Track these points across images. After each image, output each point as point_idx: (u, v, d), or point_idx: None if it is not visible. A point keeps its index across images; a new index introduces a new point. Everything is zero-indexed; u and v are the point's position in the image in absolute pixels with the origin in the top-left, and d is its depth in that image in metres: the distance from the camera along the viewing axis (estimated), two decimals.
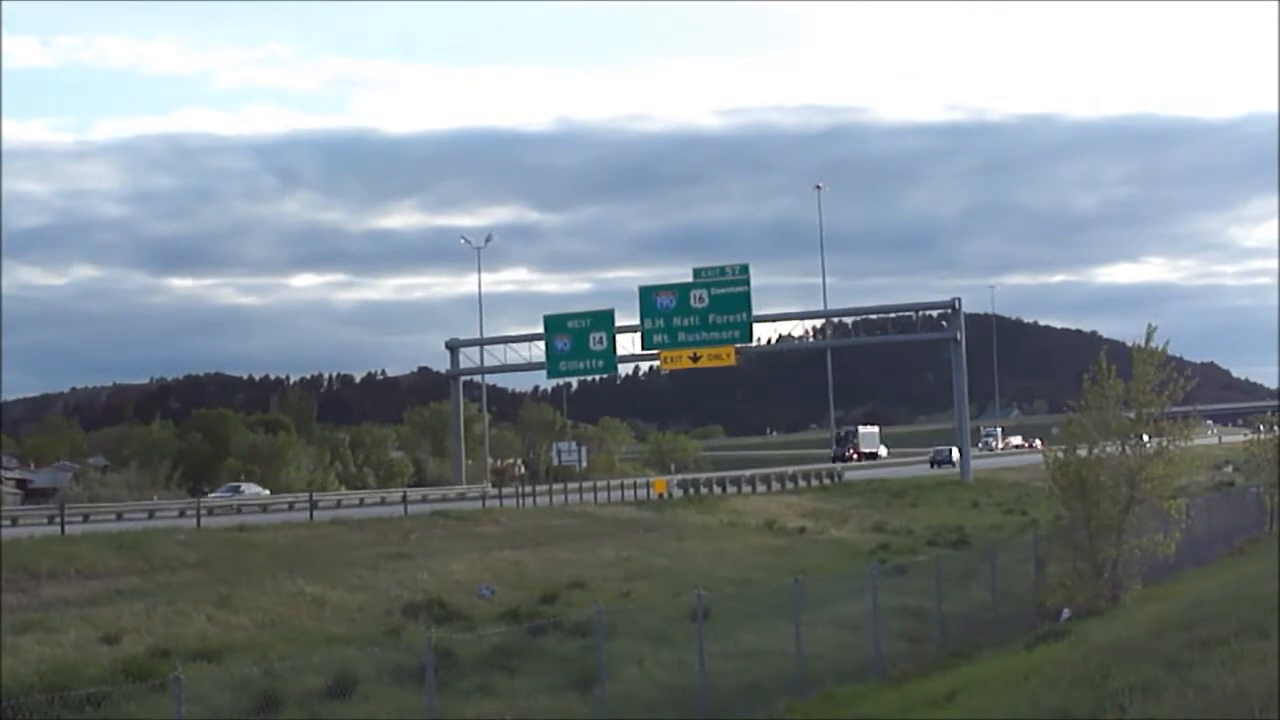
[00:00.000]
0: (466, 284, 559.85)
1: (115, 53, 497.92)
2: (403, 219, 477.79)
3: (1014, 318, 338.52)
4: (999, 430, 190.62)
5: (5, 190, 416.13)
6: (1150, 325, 39.15)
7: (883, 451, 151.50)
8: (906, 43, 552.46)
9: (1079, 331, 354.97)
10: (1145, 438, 38.53)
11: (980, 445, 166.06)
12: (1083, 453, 38.62)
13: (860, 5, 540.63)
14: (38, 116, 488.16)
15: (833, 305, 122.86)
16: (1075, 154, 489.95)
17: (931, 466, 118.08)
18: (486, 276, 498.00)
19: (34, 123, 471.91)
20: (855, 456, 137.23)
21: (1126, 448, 38.17)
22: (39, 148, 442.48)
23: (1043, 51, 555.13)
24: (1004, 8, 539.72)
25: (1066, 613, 35.71)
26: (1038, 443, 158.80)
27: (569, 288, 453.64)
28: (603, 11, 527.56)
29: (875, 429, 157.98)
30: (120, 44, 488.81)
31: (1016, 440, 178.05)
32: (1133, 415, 38.37)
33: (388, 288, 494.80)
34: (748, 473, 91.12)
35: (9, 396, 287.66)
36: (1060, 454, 39.79)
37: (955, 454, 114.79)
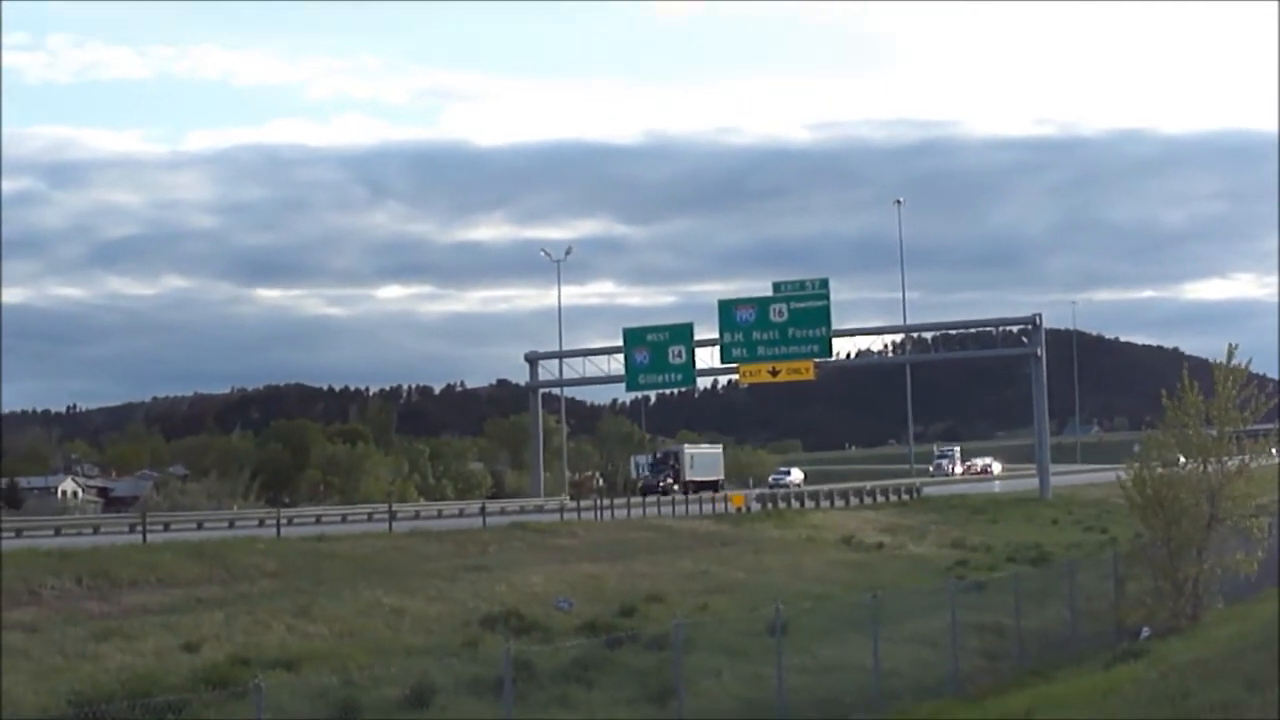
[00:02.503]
0: (551, 297, 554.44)
1: (208, 63, 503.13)
2: (491, 231, 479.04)
3: (1095, 334, 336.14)
4: (956, 451, 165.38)
5: (99, 200, 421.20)
6: (1231, 344, 38.89)
7: (788, 478, 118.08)
8: (998, 57, 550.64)
9: (1161, 348, 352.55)
10: (1226, 458, 38.15)
11: (932, 468, 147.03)
12: (1160, 470, 38.38)
13: (953, 20, 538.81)
14: (133, 127, 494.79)
15: (917, 320, 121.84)
16: (1165, 169, 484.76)
17: None
18: (572, 290, 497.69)
19: (129, 133, 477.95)
20: (675, 488, 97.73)
21: (1207, 466, 37.85)
22: (133, 158, 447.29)
23: (1133, 66, 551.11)
24: (1097, 23, 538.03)
25: (1146, 631, 35.46)
26: (996, 467, 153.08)
27: (652, 300, 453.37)
28: (693, 24, 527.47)
29: (717, 449, 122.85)
30: (213, 54, 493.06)
31: (985, 462, 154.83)
32: (1214, 433, 38.06)
33: (473, 300, 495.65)
34: (825, 487, 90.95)
35: (92, 405, 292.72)
36: (1133, 471, 39.42)
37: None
